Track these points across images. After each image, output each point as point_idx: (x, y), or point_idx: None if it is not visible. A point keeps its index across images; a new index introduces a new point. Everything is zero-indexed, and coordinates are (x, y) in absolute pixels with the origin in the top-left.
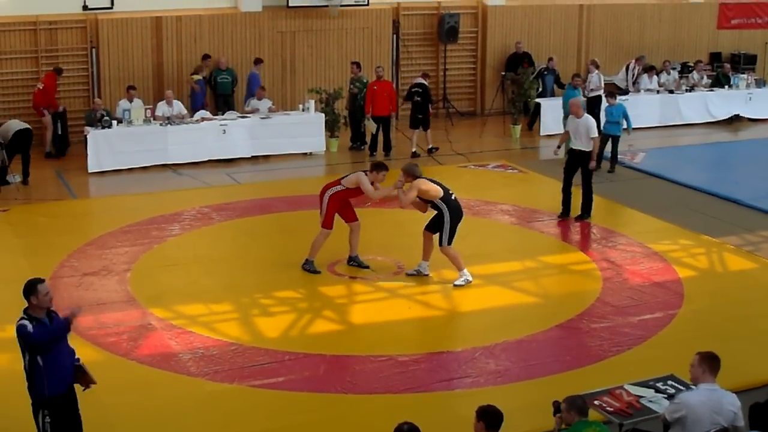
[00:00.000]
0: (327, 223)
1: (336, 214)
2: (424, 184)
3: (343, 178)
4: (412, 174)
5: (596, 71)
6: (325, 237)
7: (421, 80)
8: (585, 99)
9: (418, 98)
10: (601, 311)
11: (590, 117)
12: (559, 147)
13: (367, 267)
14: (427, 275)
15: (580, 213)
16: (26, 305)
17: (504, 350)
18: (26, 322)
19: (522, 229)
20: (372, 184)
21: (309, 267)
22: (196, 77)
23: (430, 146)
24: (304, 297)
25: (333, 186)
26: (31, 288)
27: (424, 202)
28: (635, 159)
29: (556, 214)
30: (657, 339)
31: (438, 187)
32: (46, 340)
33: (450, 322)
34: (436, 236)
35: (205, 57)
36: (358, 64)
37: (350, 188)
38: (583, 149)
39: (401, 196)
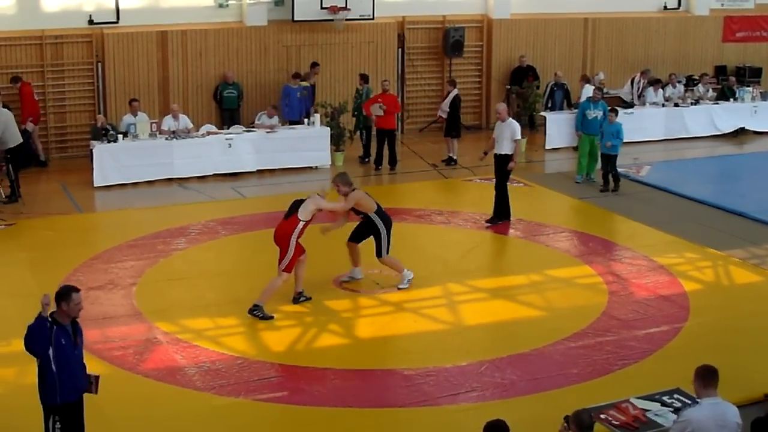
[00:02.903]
0: (290, 268)
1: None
2: (363, 197)
3: (291, 214)
4: (347, 183)
5: (587, 85)
6: (284, 282)
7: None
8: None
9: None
10: (607, 325)
11: (515, 121)
12: (486, 153)
13: (309, 298)
14: (360, 278)
15: (492, 216)
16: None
17: (510, 364)
18: (45, 322)
19: (527, 242)
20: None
21: (258, 312)
22: (304, 84)
23: (452, 156)
24: (309, 311)
25: (293, 227)
26: (65, 294)
27: (356, 213)
28: (640, 172)
29: (562, 227)
30: (663, 352)
31: (373, 201)
32: (31, 338)
33: (456, 336)
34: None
35: (314, 65)
36: (364, 77)
37: (309, 220)
38: (505, 153)
39: (340, 204)
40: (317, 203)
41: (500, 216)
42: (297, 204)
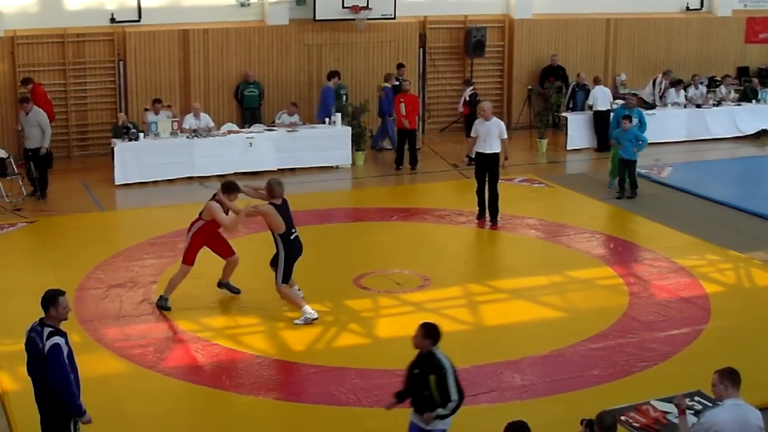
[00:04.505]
0: (188, 260)
1: (211, 250)
2: (274, 214)
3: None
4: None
5: (597, 87)
6: (183, 274)
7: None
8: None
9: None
10: (628, 326)
11: (500, 120)
12: (468, 155)
13: (238, 292)
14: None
15: (489, 218)
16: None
17: (530, 365)
18: (60, 342)
19: (548, 243)
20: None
21: (162, 303)
22: (384, 84)
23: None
24: (330, 310)
25: (196, 222)
26: (52, 299)
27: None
28: (662, 173)
29: (582, 228)
30: (684, 354)
31: (283, 223)
32: (64, 382)
33: (475, 337)
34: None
35: (400, 66)
36: (336, 74)
37: (210, 220)
38: (493, 151)
39: (226, 220)
40: (211, 209)
41: (492, 214)
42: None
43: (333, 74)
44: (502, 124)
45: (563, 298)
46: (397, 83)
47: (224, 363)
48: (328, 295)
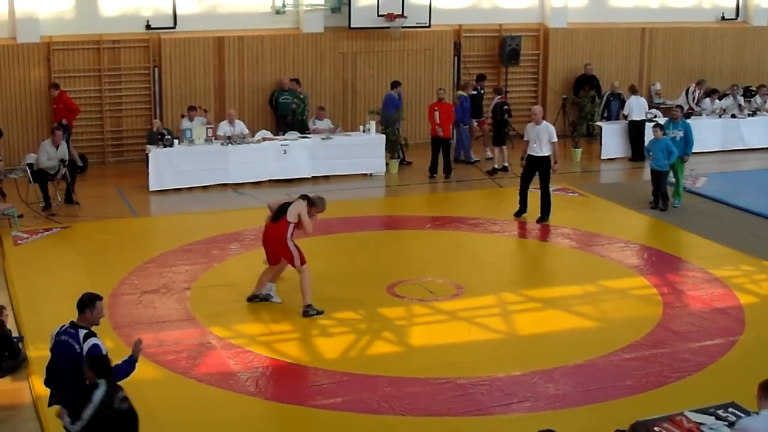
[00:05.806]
0: (303, 260)
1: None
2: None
3: (282, 216)
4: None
5: (633, 96)
6: (308, 274)
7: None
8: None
9: (508, 116)
10: (662, 337)
11: (550, 124)
12: (523, 158)
13: (266, 299)
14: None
15: (540, 216)
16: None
17: (563, 375)
18: (99, 342)
19: (582, 252)
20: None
21: (312, 311)
22: (461, 93)
23: (495, 166)
24: (363, 318)
25: (285, 229)
26: (90, 302)
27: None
28: (696, 183)
29: (616, 238)
30: (718, 365)
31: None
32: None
33: (509, 346)
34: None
35: (481, 78)
36: (297, 81)
37: (296, 222)
38: (543, 154)
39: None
40: (300, 210)
41: (543, 212)
42: (285, 207)
43: (395, 84)
44: (552, 128)
45: (597, 307)
46: (474, 92)
47: (257, 370)
48: (362, 302)
